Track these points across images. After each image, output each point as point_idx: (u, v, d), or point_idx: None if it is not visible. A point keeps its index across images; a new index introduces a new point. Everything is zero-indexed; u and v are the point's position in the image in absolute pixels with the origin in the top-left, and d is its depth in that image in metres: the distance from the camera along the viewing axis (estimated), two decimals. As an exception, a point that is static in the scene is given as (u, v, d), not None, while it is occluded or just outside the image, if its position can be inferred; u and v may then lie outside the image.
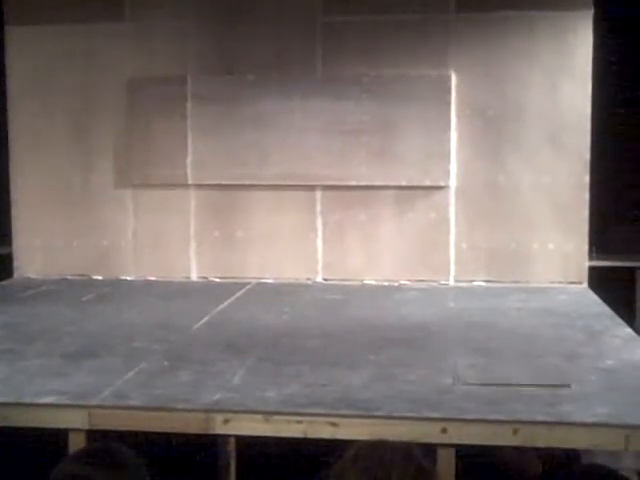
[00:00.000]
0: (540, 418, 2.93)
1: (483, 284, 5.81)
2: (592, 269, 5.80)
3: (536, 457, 3.34)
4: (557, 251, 5.75)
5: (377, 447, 2.10)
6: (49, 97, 6.14)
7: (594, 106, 5.66)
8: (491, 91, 5.77)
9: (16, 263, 6.25)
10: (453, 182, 5.83)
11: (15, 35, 6.12)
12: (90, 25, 6.05)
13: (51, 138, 6.16)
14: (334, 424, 2.96)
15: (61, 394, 3.22)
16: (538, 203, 5.77)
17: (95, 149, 6.15)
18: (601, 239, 5.99)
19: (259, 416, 3.01)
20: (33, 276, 6.17)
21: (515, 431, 2.88)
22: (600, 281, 5.72)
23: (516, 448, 3.06)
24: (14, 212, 6.23)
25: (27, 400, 3.18)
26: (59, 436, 3.08)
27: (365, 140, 5.85)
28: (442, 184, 5.82)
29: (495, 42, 5.76)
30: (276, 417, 3.00)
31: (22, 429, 3.14)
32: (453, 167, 5.81)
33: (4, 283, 6.05)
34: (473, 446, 2.95)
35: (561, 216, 5.75)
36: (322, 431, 2.97)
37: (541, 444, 2.95)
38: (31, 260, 6.22)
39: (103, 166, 6.15)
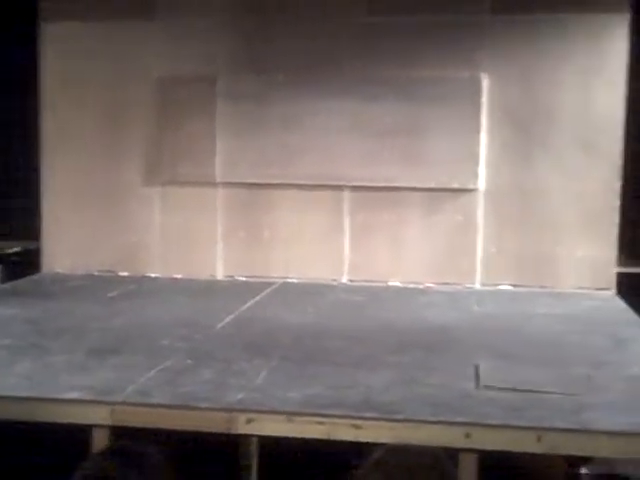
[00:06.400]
0: (564, 425, 2.91)
1: (510, 288, 5.77)
2: (621, 275, 5.74)
3: (560, 458, 3.31)
4: (585, 257, 5.69)
5: (401, 451, 2.08)
6: (80, 93, 6.18)
7: (628, 110, 5.59)
8: (523, 94, 5.73)
9: (44, 258, 6.30)
10: (482, 185, 5.79)
11: (49, 32, 6.16)
12: (121, 23, 6.09)
13: (81, 135, 6.21)
14: (357, 426, 2.95)
15: (85, 390, 3.24)
16: (568, 208, 5.72)
17: (124, 147, 6.18)
18: (630, 245, 5.93)
19: (282, 416, 3.01)
20: (61, 271, 6.21)
21: (539, 438, 2.86)
22: (628, 287, 5.66)
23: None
24: (43, 207, 6.28)
25: (51, 395, 3.21)
26: (82, 432, 3.10)
27: (394, 141, 5.82)
28: (471, 187, 5.79)
29: (528, 45, 5.70)
30: (298, 418, 3.00)
31: (46, 424, 3.16)
32: (482, 170, 5.78)
33: (32, 278, 6.11)
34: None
35: (590, 221, 5.69)
36: (345, 433, 2.96)
37: (564, 451, 2.93)
38: (59, 255, 6.26)
39: (132, 163, 6.18)
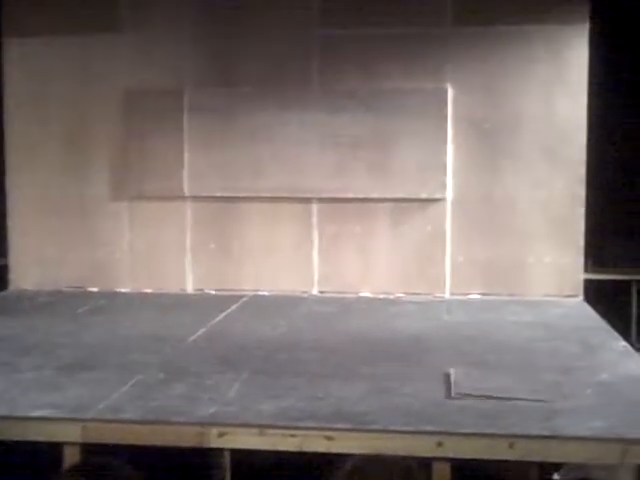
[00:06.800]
0: (536, 432, 2.93)
1: (479, 297, 5.81)
2: (588, 282, 5.80)
3: (533, 465, 3.33)
4: (553, 264, 5.75)
5: (374, 461, 2.09)
6: (45, 109, 6.14)
7: (590, 119, 5.67)
8: (487, 104, 5.79)
9: (11, 275, 6.24)
10: (449, 195, 5.83)
11: (12, 46, 6.12)
12: (87, 37, 6.05)
13: (47, 150, 6.16)
14: (329, 438, 2.95)
15: (55, 407, 3.21)
16: (534, 216, 5.78)
17: (91, 161, 6.15)
18: (597, 252, 6.00)
19: (254, 430, 3.00)
20: (28, 288, 6.15)
21: (511, 445, 2.88)
22: (596, 294, 5.72)
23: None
24: (10, 224, 6.22)
25: (21, 413, 3.17)
26: (54, 450, 3.07)
27: (362, 153, 5.86)
28: (438, 197, 5.83)
29: (491, 56, 5.77)
30: (271, 431, 2.99)
31: (16, 443, 3.13)
32: (449, 180, 5.82)
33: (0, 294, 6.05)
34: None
35: (557, 229, 5.76)
36: (317, 445, 2.96)
37: (537, 458, 2.95)
38: (26, 272, 6.20)
39: (99, 178, 6.15)
